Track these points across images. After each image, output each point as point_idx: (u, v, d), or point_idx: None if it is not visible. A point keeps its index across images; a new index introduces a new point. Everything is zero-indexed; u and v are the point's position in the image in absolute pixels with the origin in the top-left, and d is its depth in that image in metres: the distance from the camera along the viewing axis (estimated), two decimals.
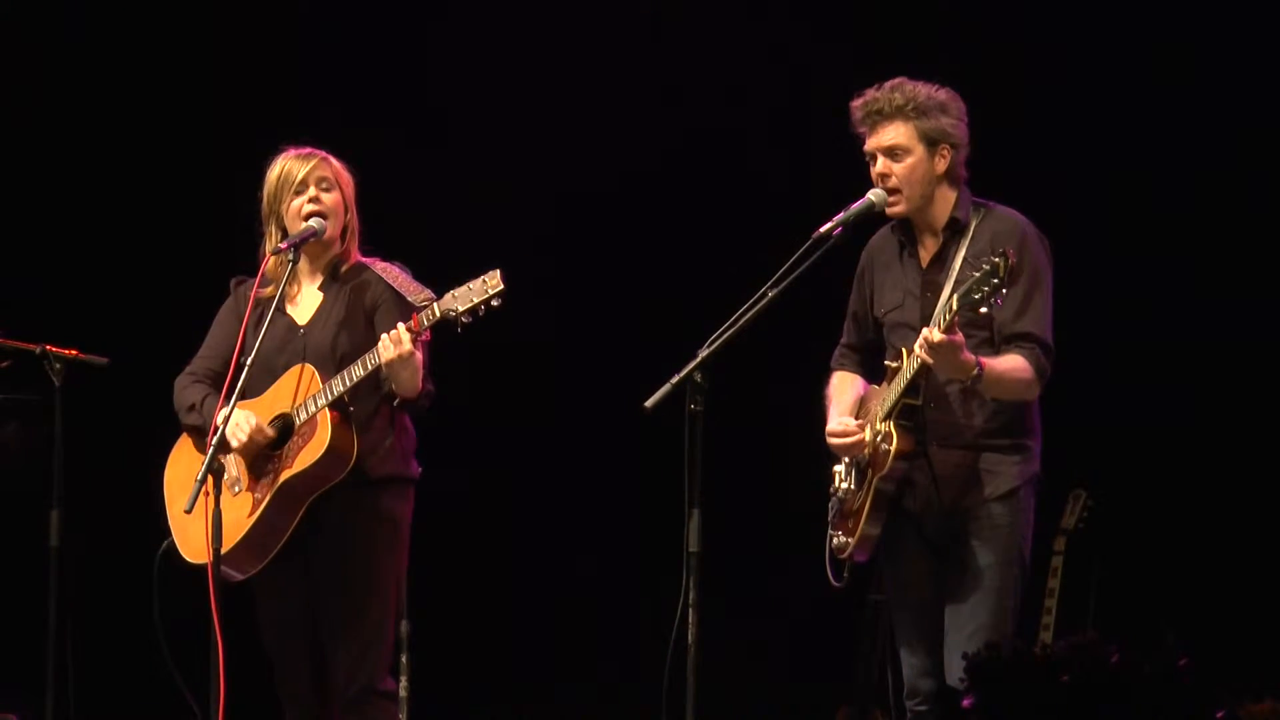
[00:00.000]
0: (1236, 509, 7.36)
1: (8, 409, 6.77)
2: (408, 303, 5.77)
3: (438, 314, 5.62)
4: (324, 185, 5.93)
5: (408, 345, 5.66)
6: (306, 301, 5.99)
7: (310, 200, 5.91)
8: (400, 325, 5.68)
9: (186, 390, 6.02)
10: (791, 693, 7.87)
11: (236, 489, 5.85)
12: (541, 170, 8.13)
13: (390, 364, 5.68)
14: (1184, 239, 7.43)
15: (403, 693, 7.24)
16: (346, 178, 5.99)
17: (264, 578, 5.87)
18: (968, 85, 5.77)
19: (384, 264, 5.92)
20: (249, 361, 5.76)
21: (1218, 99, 7.39)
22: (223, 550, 5.74)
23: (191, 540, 5.87)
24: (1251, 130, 7.37)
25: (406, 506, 5.93)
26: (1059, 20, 7.55)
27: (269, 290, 5.94)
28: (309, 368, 5.82)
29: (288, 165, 5.94)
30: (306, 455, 5.75)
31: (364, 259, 5.98)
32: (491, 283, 5.58)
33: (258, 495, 5.82)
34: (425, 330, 5.68)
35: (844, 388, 5.85)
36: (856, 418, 5.72)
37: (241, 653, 5.77)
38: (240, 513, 5.77)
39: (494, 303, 5.58)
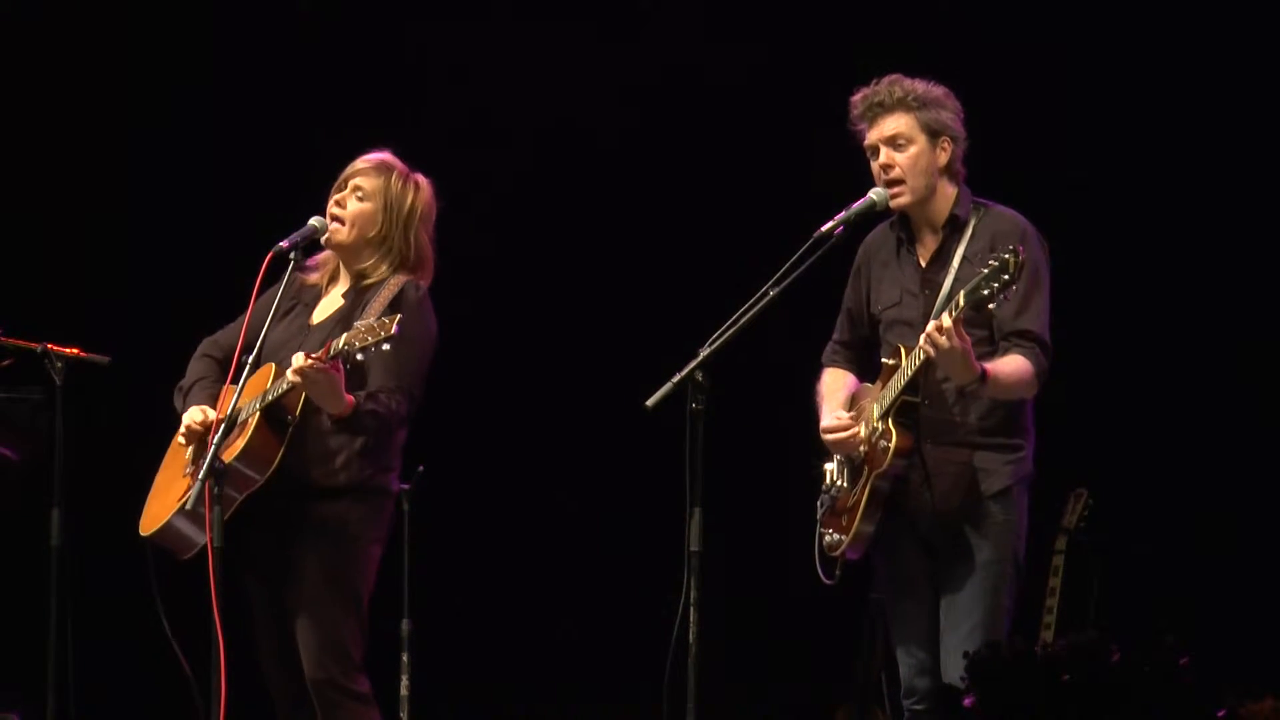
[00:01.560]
0: (1237, 509, 7.36)
1: (8, 408, 6.77)
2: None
3: (340, 347, 5.54)
4: (357, 193, 5.89)
5: (302, 375, 5.57)
6: (328, 305, 5.96)
7: (336, 204, 5.91)
8: (304, 353, 5.61)
9: (194, 364, 6.01)
10: (791, 693, 7.87)
11: (187, 471, 5.86)
12: (542, 169, 8.14)
13: (300, 388, 5.63)
14: (1184, 239, 7.43)
15: (403, 692, 7.25)
16: (399, 194, 5.88)
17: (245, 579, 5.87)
18: (968, 85, 5.77)
19: (398, 280, 5.83)
20: (250, 360, 5.75)
21: (1218, 99, 7.39)
22: (157, 526, 5.77)
23: (151, 511, 5.88)
24: (1252, 130, 7.37)
25: (369, 515, 5.79)
26: (1059, 20, 7.55)
27: (309, 279, 5.95)
28: (272, 368, 5.79)
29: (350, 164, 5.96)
30: (228, 454, 5.69)
31: (398, 276, 5.85)
32: (387, 328, 5.47)
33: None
34: (331, 361, 5.59)
35: (836, 385, 5.85)
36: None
37: (242, 652, 5.77)
38: (177, 494, 5.76)
39: (384, 345, 5.48)
